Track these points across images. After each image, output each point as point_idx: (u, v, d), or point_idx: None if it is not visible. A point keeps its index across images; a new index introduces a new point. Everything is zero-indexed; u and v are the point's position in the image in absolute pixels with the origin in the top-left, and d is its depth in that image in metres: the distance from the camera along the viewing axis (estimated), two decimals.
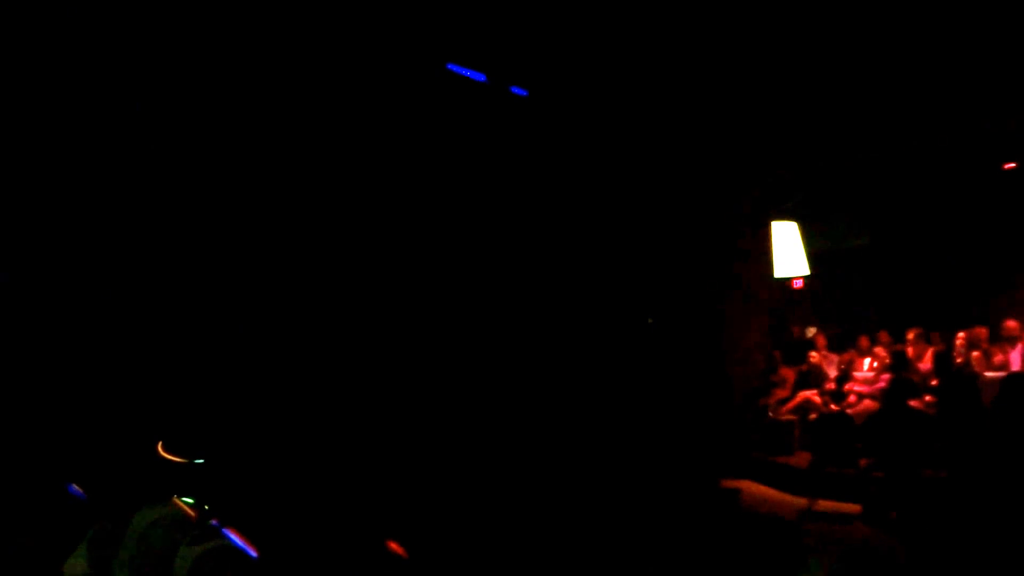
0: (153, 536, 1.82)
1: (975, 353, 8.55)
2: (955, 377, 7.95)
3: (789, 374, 9.44)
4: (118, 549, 1.99)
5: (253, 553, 1.80)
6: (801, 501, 7.54)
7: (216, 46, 5.75)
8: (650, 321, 8.66)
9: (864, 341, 9.45)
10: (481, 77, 7.28)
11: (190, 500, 1.90)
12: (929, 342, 8.96)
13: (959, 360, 8.46)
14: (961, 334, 8.84)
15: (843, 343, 9.81)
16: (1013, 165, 9.98)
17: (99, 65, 5.24)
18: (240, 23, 5.81)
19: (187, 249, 5.88)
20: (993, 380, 7.83)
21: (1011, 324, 8.48)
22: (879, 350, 9.16)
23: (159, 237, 5.73)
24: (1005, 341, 8.49)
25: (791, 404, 9.09)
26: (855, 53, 7.24)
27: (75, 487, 2.48)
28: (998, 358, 8.32)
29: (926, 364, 8.63)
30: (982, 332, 8.95)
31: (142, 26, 5.29)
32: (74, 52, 5.07)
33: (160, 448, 2.01)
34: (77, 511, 2.38)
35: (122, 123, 5.40)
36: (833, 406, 8.81)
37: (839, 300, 12.60)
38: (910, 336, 9.04)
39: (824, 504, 7.25)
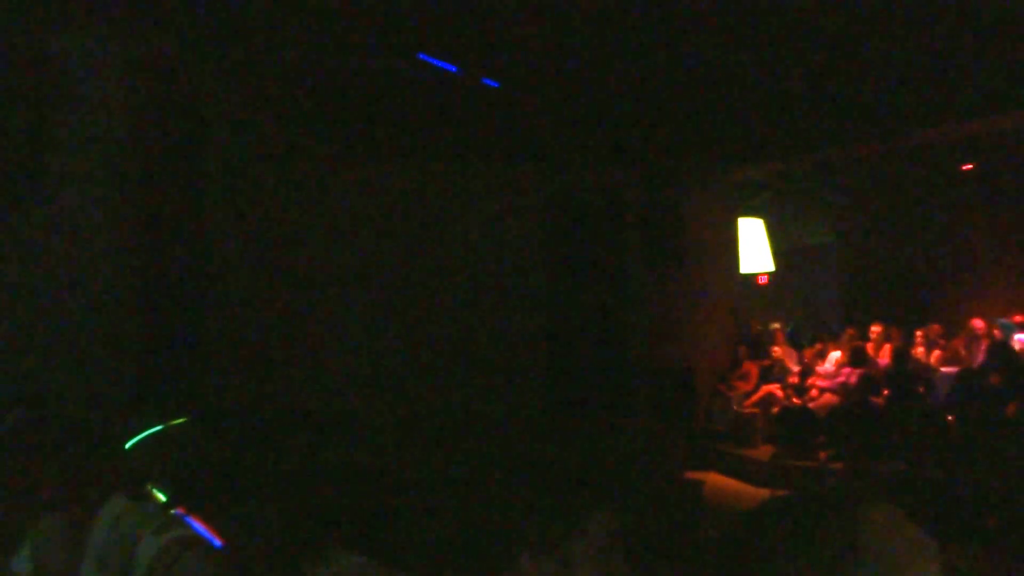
0: (121, 527, 1.80)
1: (935, 350, 8.78)
2: (907, 373, 8.13)
3: (753, 368, 9.59)
4: (67, 544, 1.89)
5: (217, 542, 1.82)
6: (763, 493, 7.69)
7: None
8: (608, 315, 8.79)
9: (826, 337, 9.64)
10: (452, 68, 7.28)
11: (156, 489, 1.89)
12: (889, 339, 9.17)
13: (919, 355, 8.68)
14: (919, 332, 9.08)
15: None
16: (971, 167, 10.27)
17: None
18: None
19: None
20: (949, 375, 8.06)
21: (977, 324, 8.72)
22: (841, 345, 9.34)
23: None
24: (967, 338, 8.72)
25: (755, 398, 9.24)
26: (821, 56, 7.35)
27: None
28: (951, 354, 8.57)
29: (885, 359, 8.84)
30: (937, 328, 9.21)
31: None
32: None
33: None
34: (19, 504, 2.17)
35: None
36: (796, 400, 8.98)
37: (803, 296, 12.85)
38: (873, 332, 9.25)
39: None
